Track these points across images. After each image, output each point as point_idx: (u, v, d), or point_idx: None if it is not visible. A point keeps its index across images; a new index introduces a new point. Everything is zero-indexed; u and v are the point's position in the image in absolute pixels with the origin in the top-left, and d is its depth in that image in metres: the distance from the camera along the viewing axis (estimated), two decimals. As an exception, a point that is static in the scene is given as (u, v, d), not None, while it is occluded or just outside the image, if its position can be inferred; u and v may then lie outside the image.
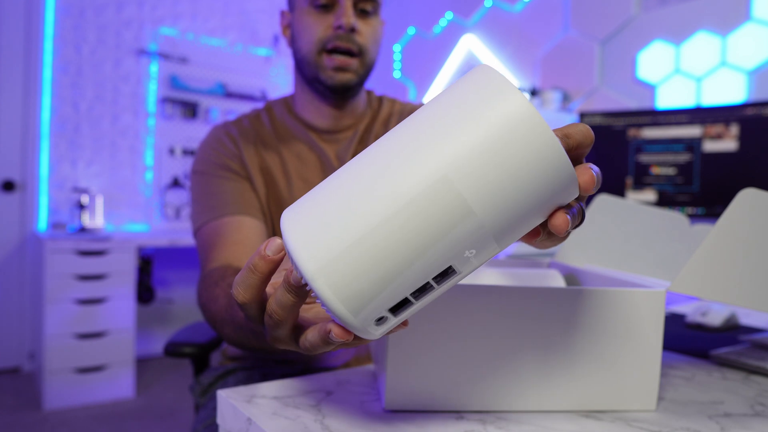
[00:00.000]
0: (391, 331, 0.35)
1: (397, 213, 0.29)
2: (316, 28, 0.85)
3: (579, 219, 0.36)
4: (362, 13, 0.87)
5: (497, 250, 0.32)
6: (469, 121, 0.30)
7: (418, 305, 0.33)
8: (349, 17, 0.83)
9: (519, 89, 0.30)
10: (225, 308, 0.64)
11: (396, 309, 0.32)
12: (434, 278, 0.31)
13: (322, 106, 0.91)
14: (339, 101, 0.90)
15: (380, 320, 0.32)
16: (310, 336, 0.36)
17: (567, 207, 0.34)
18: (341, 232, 0.30)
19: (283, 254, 0.33)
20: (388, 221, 0.29)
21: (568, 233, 0.37)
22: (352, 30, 0.84)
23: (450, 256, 0.30)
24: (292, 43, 0.91)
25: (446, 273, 0.32)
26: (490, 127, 0.29)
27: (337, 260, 0.30)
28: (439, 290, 0.33)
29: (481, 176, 0.29)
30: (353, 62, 0.86)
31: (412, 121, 0.32)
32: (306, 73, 0.88)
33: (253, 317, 0.38)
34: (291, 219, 0.32)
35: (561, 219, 0.33)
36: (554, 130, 0.34)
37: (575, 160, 0.36)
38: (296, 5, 0.88)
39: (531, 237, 0.36)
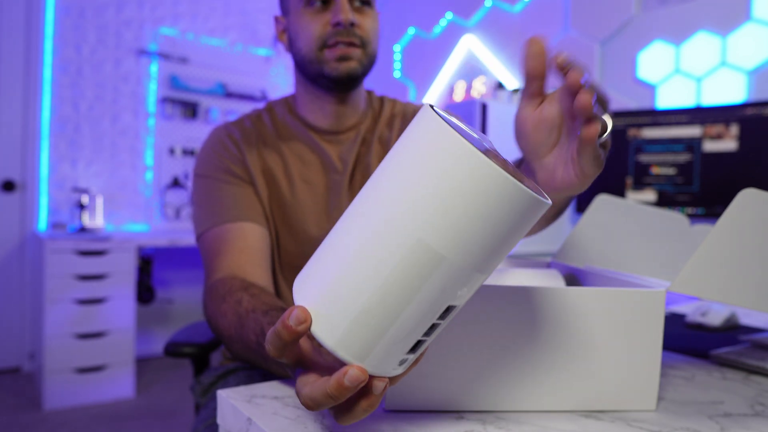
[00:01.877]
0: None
1: (388, 279, 0.32)
2: (314, 27, 0.84)
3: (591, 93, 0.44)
4: (359, 6, 0.86)
5: (486, 277, 0.35)
6: (424, 180, 0.32)
7: (430, 340, 0.36)
8: (346, 13, 0.83)
9: (458, 135, 0.31)
10: (235, 327, 0.64)
11: (412, 350, 0.36)
12: (438, 318, 0.35)
13: (325, 104, 0.91)
14: (342, 94, 0.90)
15: (402, 362, 0.36)
16: (308, 391, 0.37)
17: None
18: (346, 306, 0.33)
19: (307, 325, 0.35)
20: (382, 288, 0.32)
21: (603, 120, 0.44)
22: (352, 25, 0.84)
23: (445, 299, 0.33)
24: (291, 46, 0.90)
25: (448, 311, 0.35)
26: (444, 181, 0.31)
27: (349, 331, 0.33)
28: (445, 323, 0.36)
29: (449, 229, 0.31)
30: (356, 51, 0.85)
31: (379, 183, 0.34)
32: (308, 71, 0.88)
33: (283, 363, 0.40)
34: (303, 294, 0.36)
35: (583, 99, 0.43)
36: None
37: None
38: (290, 8, 0.88)
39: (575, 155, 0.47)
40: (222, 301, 0.69)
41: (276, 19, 0.93)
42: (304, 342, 0.41)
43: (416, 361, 0.39)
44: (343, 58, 0.85)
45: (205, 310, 0.75)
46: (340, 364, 0.40)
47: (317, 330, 0.34)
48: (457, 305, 0.35)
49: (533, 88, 0.50)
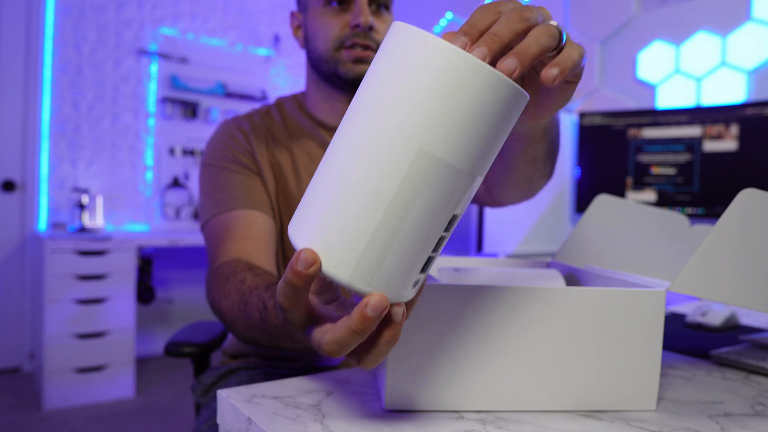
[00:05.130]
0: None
1: (395, 198, 0.32)
2: (333, 27, 0.85)
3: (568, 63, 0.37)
4: (378, 10, 0.87)
5: (481, 180, 0.35)
6: (414, 88, 0.31)
7: (437, 255, 0.36)
8: (366, 15, 0.83)
9: (441, 39, 0.32)
10: (238, 305, 0.64)
11: (424, 268, 0.35)
12: (444, 230, 0.34)
13: (336, 103, 0.91)
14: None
15: (415, 283, 0.35)
16: (330, 335, 0.36)
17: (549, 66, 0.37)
18: (356, 236, 0.32)
19: (317, 266, 0.33)
20: (391, 208, 0.32)
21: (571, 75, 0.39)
22: (370, 28, 0.84)
23: (451, 208, 0.33)
24: (306, 43, 0.90)
25: (452, 221, 0.34)
26: (433, 85, 0.31)
27: (362, 261, 0.32)
28: (448, 235, 0.35)
29: (447, 132, 0.31)
30: (371, 55, 0.86)
31: (367, 103, 0.33)
32: (323, 70, 0.88)
33: (293, 320, 0.39)
34: (304, 236, 0.34)
35: (547, 74, 0.36)
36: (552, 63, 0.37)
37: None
38: (309, 5, 0.88)
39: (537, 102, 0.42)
40: (226, 282, 0.69)
41: (292, 14, 0.94)
42: (311, 298, 0.40)
43: (421, 288, 0.38)
44: (359, 61, 0.85)
45: (208, 293, 0.74)
46: (351, 310, 0.39)
47: (328, 268, 0.33)
48: (458, 214, 0.35)
49: None
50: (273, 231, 0.85)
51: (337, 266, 0.33)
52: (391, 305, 0.35)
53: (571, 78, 0.42)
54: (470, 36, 0.36)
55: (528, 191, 0.82)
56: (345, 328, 0.34)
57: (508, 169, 0.76)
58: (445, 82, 0.31)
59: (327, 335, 0.36)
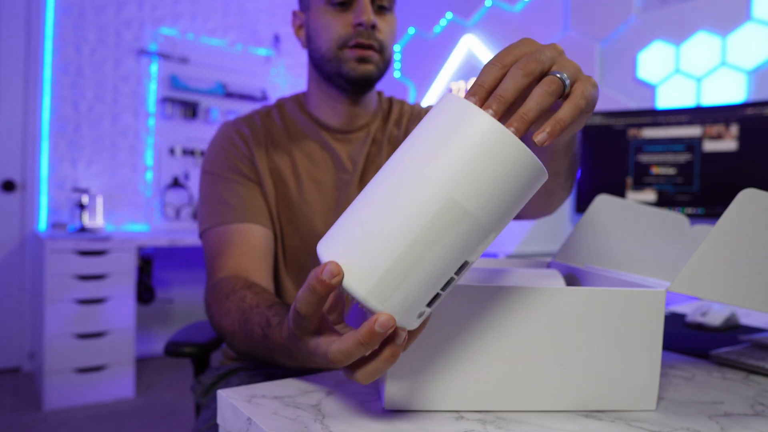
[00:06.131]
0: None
1: (420, 234, 0.36)
2: (335, 27, 0.84)
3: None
4: (380, 9, 0.87)
5: (495, 236, 0.39)
6: (455, 148, 0.37)
7: (445, 294, 0.40)
8: (369, 14, 0.83)
9: (485, 112, 0.37)
10: (238, 322, 0.65)
11: (430, 303, 0.39)
12: (455, 273, 0.38)
13: (338, 103, 0.91)
14: (357, 96, 0.90)
15: (420, 314, 0.39)
16: (337, 345, 0.39)
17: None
18: (378, 259, 0.36)
19: (339, 278, 0.37)
20: (414, 242, 0.36)
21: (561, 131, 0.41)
22: (373, 27, 0.84)
23: (465, 254, 0.38)
24: (308, 42, 0.90)
25: (463, 266, 0.39)
26: (472, 148, 0.36)
27: (380, 283, 0.36)
28: (459, 279, 0.40)
29: (475, 188, 0.36)
30: (374, 55, 0.86)
31: (407, 153, 0.38)
32: (326, 70, 0.88)
33: (305, 328, 0.42)
34: (331, 251, 0.38)
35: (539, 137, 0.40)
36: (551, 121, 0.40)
37: None
38: (311, 4, 0.88)
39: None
40: (225, 299, 0.70)
41: (294, 13, 0.93)
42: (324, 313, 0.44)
43: (424, 323, 0.41)
44: (362, 60, 0.85)
45: (207, 309, 0.75)
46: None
47: (349, 282, 0.37)
48: (470, 261, 0.38)
49: None
50: (270, 243, 0.86)
51: (358, 282, 0.37)
52: (396, 328, 0.38)
53: (586, 109, 0.43)
54: (479, 96, 0.40)
55: (548, 206, 0.81)
56: (352, 340, 0.38)
57: None
58: (482, 148, 0.36)
59: (334, 344, 0.39)
